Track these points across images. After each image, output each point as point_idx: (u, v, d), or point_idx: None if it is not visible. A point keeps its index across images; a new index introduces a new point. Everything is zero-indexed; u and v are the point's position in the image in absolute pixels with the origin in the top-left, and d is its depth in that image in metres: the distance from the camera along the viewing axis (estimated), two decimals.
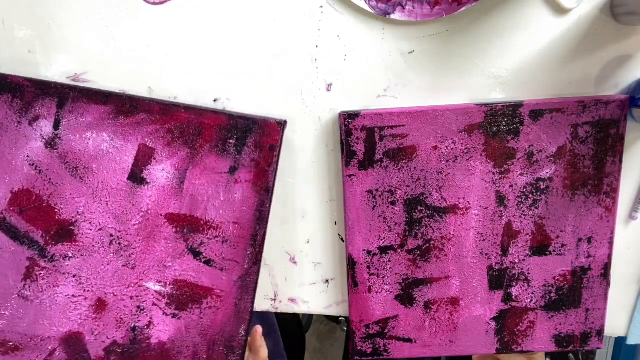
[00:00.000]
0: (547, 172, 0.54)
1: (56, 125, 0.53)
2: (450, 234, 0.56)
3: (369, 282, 0.58)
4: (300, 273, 0.61)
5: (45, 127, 0.53)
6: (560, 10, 0.52)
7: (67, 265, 0.55)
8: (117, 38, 0.53)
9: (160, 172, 0.54)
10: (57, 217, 0.54)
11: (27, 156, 0.53)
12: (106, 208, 0.54)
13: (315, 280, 0.61)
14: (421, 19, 0.51)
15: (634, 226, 0.58)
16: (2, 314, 0.55)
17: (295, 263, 0.61)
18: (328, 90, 0.55)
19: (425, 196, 0.55)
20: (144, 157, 0.53)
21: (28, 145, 0.53)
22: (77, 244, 0.55)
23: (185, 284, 0.56)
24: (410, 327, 0.59)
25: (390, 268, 0.57)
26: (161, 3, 0.53)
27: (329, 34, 0.53)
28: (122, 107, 0.53)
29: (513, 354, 0.61)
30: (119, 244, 0.55)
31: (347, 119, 0.53)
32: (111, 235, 0.55)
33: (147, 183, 0.54)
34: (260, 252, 0.55)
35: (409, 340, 0.59)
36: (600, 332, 0.58)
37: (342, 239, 0.60)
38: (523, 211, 0.55)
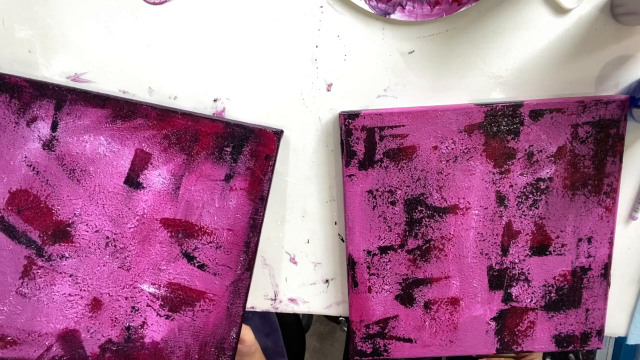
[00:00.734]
0: (547, 172, 0.54)
1: (54, 127, 0.53)
2: (450, 234, 0.56)
3: (369, 282, 0.58)
4: (300, 273, 0.61)
5: (43, 128, 0.53)
6: (560, 11, 0.52)
7: (64, 265, 0.55)
8: (117, 38, 0.53)
9: (157, 177, 0.54)
10: (54, 218, 0.54)
11: (25, 157, 0.53)
12: (102, 211, 0.54)
13: (315, 280, 0.61)
14: (421, 19, 0.51)
15: (634, 226, 0.58)
16: (1, 310, 0.56)
17: (295, 263, 0.60)
18: (328, 90, 0.55)
19: (425, 196, 0.55)
20: (140, 162, 0.54)
21: (26, 146, 0.53)
22: (73, 244, 0.55)
23: (178, 287, 0.56)
24: (410, 327, 0.59)
25: (390, 268, 0.57)
26: (161, 3, 0.52)
27: (329, 34, 0.53)
28: (120, 111, 0.53)
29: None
30: (115, 246, 0.55)
31: (347, 119, 0.53)
32: (107, 238, 0.55)
33: (143, 187, 0.54)
34: (253, 259, 0.56)
35: (409, 340, 0.59)
36: (600, 332, 0.59)
37: (342, 239, 0.60)
38: (523, 211, 0.55)
